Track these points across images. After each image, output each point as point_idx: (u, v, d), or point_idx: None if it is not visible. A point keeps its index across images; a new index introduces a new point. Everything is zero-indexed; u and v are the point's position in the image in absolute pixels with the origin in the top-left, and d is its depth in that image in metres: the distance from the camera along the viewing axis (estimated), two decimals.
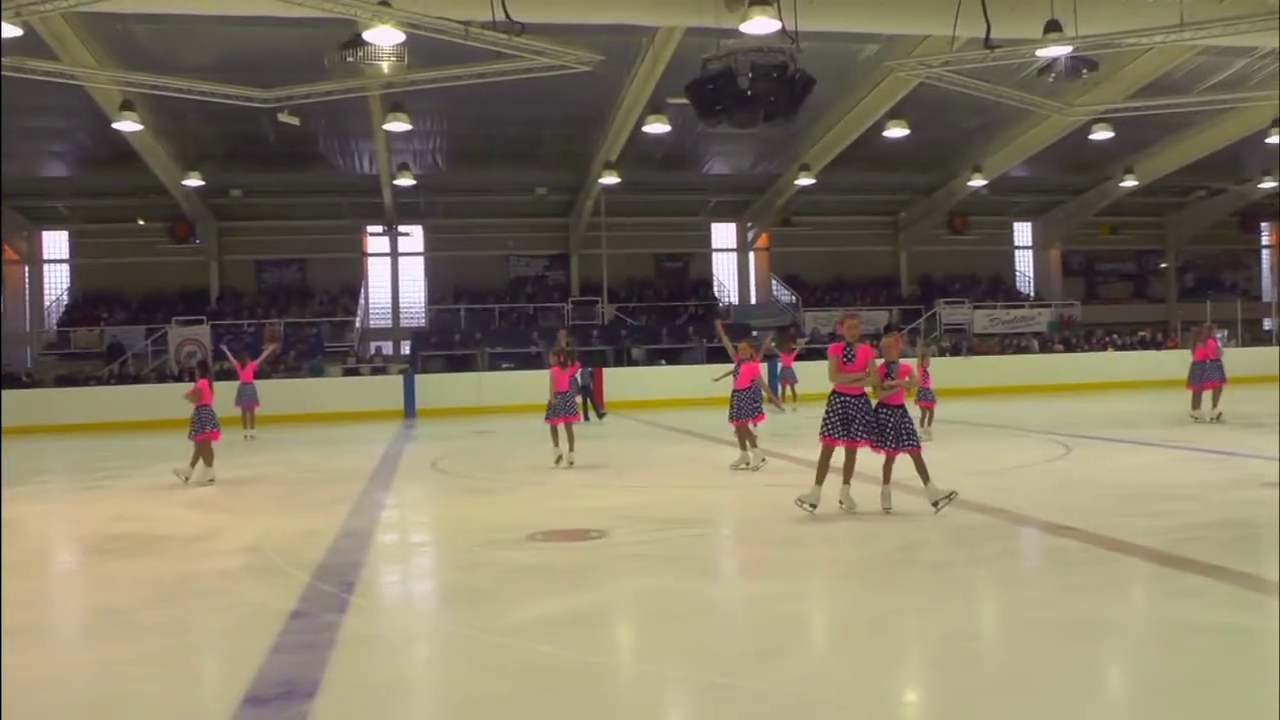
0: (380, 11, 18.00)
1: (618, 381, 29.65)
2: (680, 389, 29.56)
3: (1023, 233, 46.21)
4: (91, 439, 24.50)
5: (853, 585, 7.14)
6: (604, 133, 31.49)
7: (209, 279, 39.25)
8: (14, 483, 14.68)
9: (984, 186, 36.85)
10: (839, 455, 9.35)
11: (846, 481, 9.39)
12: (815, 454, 9.52)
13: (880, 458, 9.43)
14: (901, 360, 9.60)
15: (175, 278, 38.87)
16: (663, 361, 34.61)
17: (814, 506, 9.15)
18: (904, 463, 9.31)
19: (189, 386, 14.27)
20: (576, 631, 6.03)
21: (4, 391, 27.64)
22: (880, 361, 9.45)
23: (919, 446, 9.31)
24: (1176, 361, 24.43)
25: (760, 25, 17.50)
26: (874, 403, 9.39)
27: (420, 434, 22.95)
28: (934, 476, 9.19)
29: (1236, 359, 24.54)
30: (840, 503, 9.31)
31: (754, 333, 32.68)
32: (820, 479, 9.21)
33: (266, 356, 23.51)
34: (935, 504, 9.04)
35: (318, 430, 24.65)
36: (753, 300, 43.04)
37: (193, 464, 13.77)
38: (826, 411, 9.36)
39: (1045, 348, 37.39)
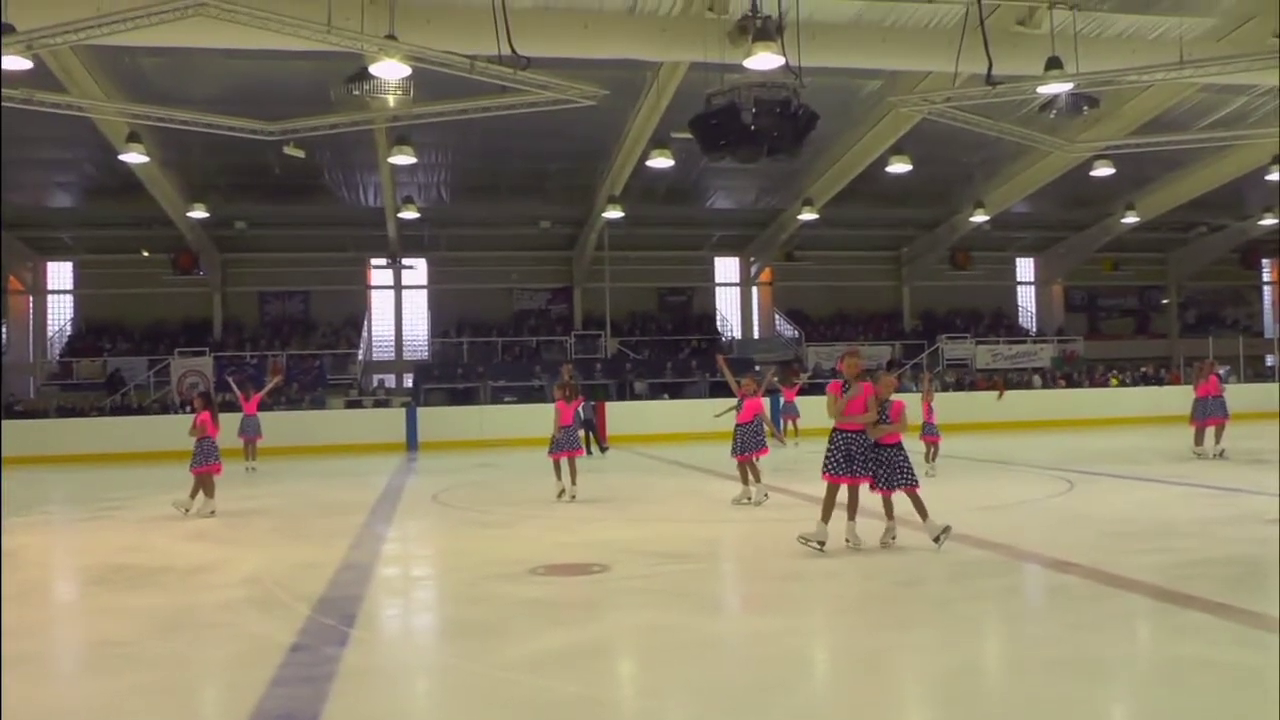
0: (386, 45, 18.12)
1: (620, 415, 29.63)
2: (683, 423, 29.53)
3: (1025, 268, 46.31)
4: (93, 470, 24.48)
5: (854, 620, 7.13)
6: (608, 167, 31.63)
7: (212, 310, 39.32)
8: (16, 513, 14.67)
9: (986, 222, 36.92)
10: (843, 492, 9.35)
11: (852, 518, 9.36)
12: (818, 489, 9.51)
13: (878, 495, 9.45)
14: (894, 398, 9.58)
15: (178, 309, 38.96)
16: (665, 395, 34.60)
17: (822, 545, 9.08)
18: (903, 498, 9.32)
19: (192, 419, 14.25)
20: (578, 666, 6.01)
21: (8, 421, 27.70)
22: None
23: (916, 484, 9.31)
24: (1179, 397, 24.41)
25: (764, 61, 17.59)
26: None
27: (422, 467, 22.92)
28: (935, 512, 9.20)
29: (1238, 395, 24.52)
30: (846, 540, 9.27)
31: (756, 367, 32.67)
32: (826, 517, 9.17)
33: (270, 389, 23.51)
34: (936, 539, 9.04)
35: (319, 462, 24.62)
36: (755, 334, 43.07)
37: (192, 496, 13.77)
38: (829, 449, 9.38)
39: (1048, 383, 37.34)
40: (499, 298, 41.38)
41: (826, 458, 9.36)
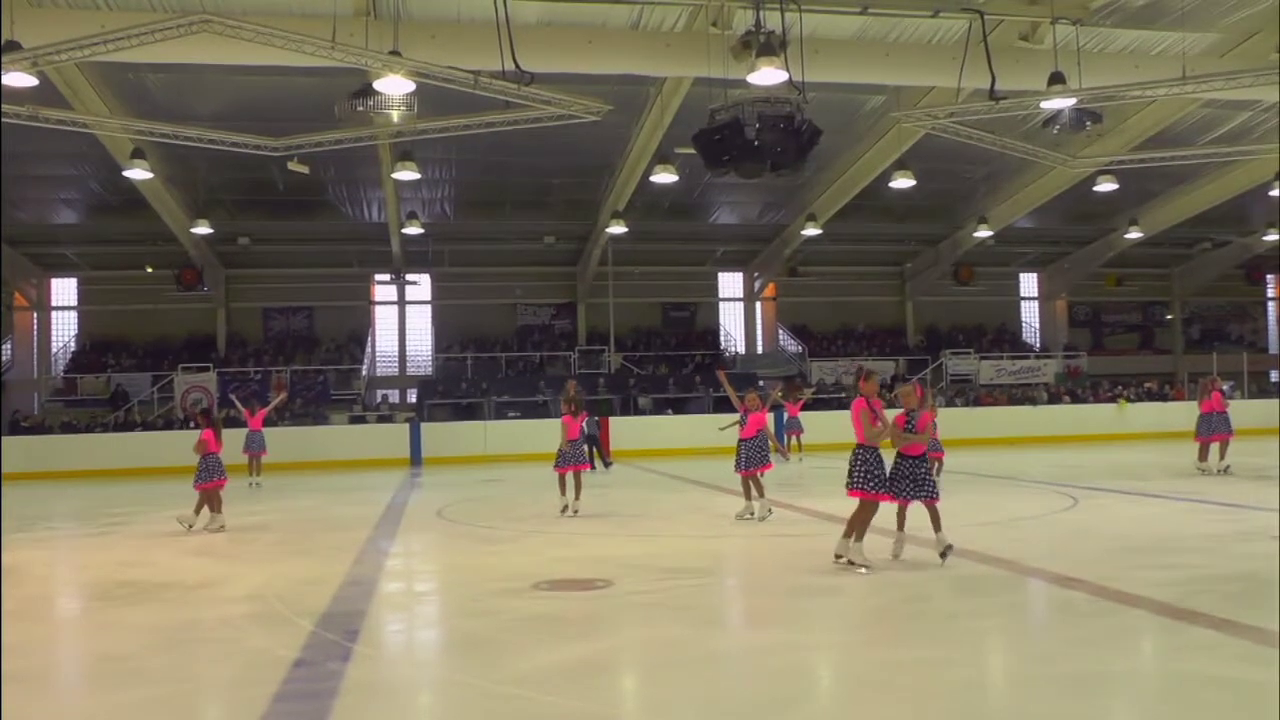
0: (390, 61, 18.18)
1: (624, 430, 29.61)
2: (686, 438, 29.54)
3: (1028, 283, 46.28)
4: (96, 485, 24.47)
5: (860, 636, 7.11)
6: (612, 182, 31.71)
7: (216, 326, 39.35)
8: (20, 528, 14.70)
9: (990, 237, 36.94)
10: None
11: (859, 537, 9.21)
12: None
13: (893, 507, 9.40)
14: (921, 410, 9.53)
15: (182, 325, 38.98)
16: (669, 410, 34.57)
17: (867, 567, 8.98)
18: (913, 511, 9.29)
19: (195, 435, 14.24)
20: (582, 681, 6.00)
21: (13, 437, 27.75)
22: (899, 411, 9.40)
23: (936, 497, 9.27)
24: (1183, 413, 24.37)
25: (767, 76, 17.63)
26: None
27: (426, 482, 22.91)
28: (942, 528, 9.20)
29: (1242, 411, 24.48)
30: (854, 559, 9.14)
31: (760, 382, 32.66)
32: (860, 535, 9.09)
33: (275, 405, 23.48)
34: (942, 554, 9.03)
35: (323, 478, 24.62)
36: (759, 350, 43.06)
37: (196, 511, 13.77)
38: (854, 465, 9.23)
39: (1052, 399, 37.21)
40: (503, 313, 41.41)
41: (857, 474, 9.20)
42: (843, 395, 35.57)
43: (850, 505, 9.32)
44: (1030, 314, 46.43)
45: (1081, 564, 9.10)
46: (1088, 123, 22.75)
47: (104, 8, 19.34)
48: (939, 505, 9.29)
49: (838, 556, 9.07)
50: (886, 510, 9.47)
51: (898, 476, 9.24)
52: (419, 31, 19.91)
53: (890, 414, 9.42)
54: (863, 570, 8.93)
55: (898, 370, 39.03)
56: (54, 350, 39.38)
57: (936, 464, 16.87)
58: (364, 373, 38.67)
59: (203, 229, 32.43)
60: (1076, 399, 37.17)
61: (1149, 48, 23.47)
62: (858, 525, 9.19)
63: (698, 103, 21.32)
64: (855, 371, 9.89)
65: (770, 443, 13.62)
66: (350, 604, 8.35)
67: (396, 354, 41.52)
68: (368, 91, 19.59)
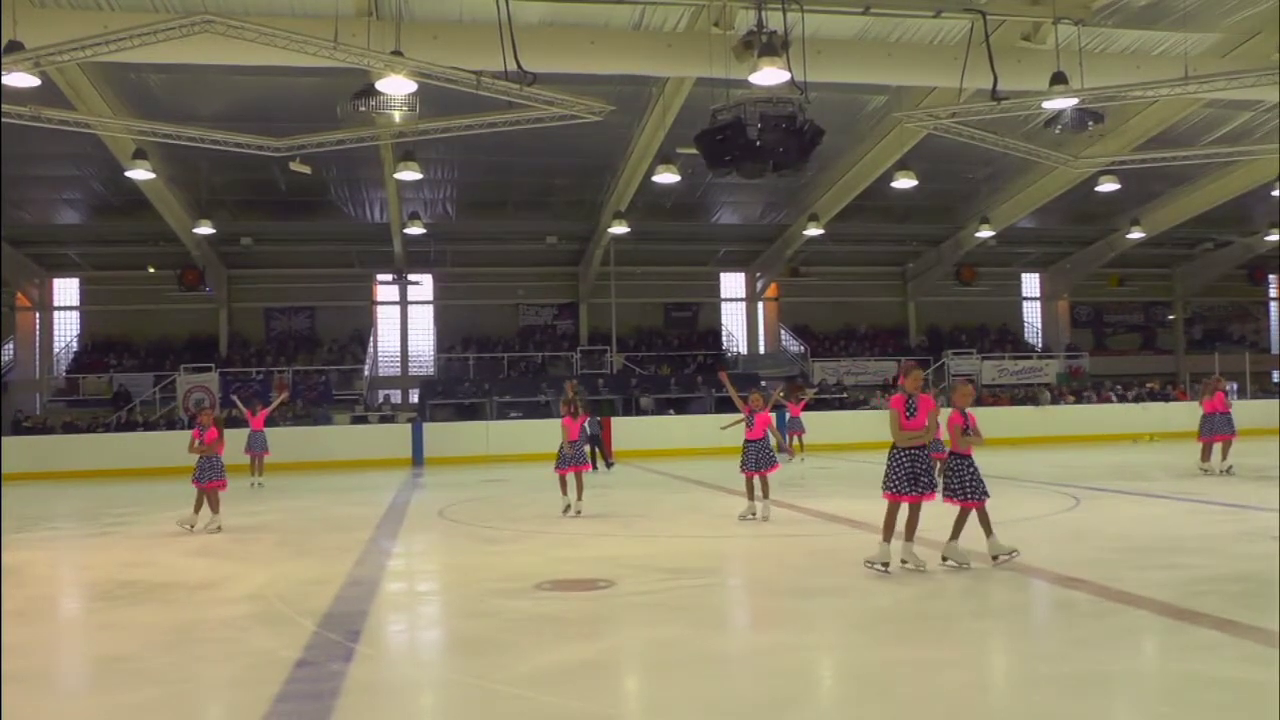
0: (393, 61, 18.18)
1: (626, 431, 29.61)
2: (688, 438, 29.55)
3: (1030, 283, 46.27)
4: (99, 485, 24.48)
5: (862, 636, 7.09)
6: (614, 182, 31.72)
7: (218, 326, 39.39)
8: (22, 529, 14.70)
9: (991, 237, 36.92)
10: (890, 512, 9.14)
11: (910, 539, 9.06)
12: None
13: (921, 514, 9.26)
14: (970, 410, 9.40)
15: (184, 325, 39.03)
16: (671, 411, 34.56)
17: (886, 566, 8.79)
18: (930, 515, 9.23)
19: (199, 436, 14.21)
20: (584, 682, 5.99)
21: (15, 438, 27.75)
22: (952, 411, 9.26)
23: (984, 499, 9.20)
24: (1185, 413, 24.33)
25: (769, 76, 17.63)
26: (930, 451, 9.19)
27: (428, 482, 22.90)
28: (941, 528, 9.18)
29: (1245, 411, 24.45)
30: (903, 561, 8.97)
31: (763, 383, 32.65)
32: (888, 537, 8.96)
33: (277, 405, 23.48)
34: (944, 558, 9.02)
35: (325, 478, 24.61)
36: (761, 350, 43.05)
37: (196, 510, 13.76)
38: (891, 466, 9.09)
39: (1055, 399, 37.19)
40: (505, 313, 41.44)
41: (889, 476, 9.07)
42: (844, 396, 35.62)
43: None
44: (1032, 314, 46.44)
45: (1083, 564, 9.10)
46: (1089, 123, 22.76)
47: (106, 8, 19.36)
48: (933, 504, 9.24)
49: (883, 565, 8.87)
50: (877, 515, 9.37)
51: (950, 476, 9.13)
52: (421, 32, 19.92)
53: (944, 412, 9.24)
54: (880, 568, 8.78)
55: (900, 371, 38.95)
56: (56, 350, 39.43)
57: (939, 464, 16.88)
58: (366, 373, 38.70)
59: (205, 229, 32.46)
60: (1080, 399, 37.16)
61: (1151, 48, 23.47)
62: (909, 527, 9.06)
63: (700, 103, 21.32)
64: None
65: (774, 439, 13.56)
66: (352, 604, 8.35)
67: (398, 354, 41.56)
68: (370, 92, 19.61)
